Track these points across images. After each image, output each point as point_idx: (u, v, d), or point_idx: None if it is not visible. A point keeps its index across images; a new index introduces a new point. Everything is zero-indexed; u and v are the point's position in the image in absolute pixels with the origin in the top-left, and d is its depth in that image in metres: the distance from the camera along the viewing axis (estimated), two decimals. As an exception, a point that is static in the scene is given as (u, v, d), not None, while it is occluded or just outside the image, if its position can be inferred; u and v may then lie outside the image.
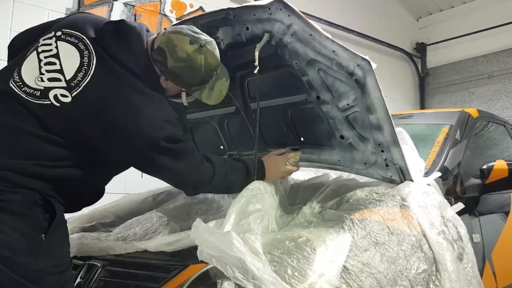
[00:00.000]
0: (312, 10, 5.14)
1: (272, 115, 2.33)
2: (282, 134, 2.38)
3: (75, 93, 1.47)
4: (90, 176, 1.59)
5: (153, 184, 2.87)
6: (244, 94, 2.34)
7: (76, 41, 1.54)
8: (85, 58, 1.51)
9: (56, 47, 1.53)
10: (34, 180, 1.42)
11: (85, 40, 1.54)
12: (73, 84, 1.48)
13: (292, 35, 1.93)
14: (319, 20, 5.33)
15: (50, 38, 1.56)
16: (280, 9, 1.90)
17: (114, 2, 3.89)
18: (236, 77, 2.29)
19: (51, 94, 1.47)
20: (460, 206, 2.11)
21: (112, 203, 2.52)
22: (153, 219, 2.10)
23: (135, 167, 1.69)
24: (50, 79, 1.49)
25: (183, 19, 2.33)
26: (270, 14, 1.93)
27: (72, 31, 1.57)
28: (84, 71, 1.49)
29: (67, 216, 2.29)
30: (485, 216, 2.39)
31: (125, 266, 1.71)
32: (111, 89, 1.50)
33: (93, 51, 1.52)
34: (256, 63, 1.96)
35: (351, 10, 6.04)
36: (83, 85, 1.48)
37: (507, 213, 2.61)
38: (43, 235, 1.42)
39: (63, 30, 1.58)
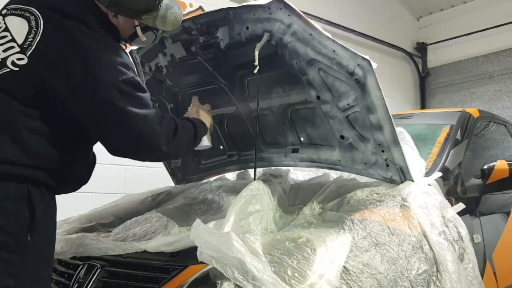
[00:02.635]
0: (312, 10, 5.14)
1: (272, 115, 2.33)
2: (282, 134, 2.38)
3: (29, 52, 1.49)
4: (68, 148, 1.57)
5: (153, 184, 2.88)
6: (244, 94, 2.34)
7: (22, 12, 1.57)
8: (32, 22, 1.53)
9: (5, 23, 1.56)
10: (16, 167, 1.42)
11: (29, 8, 1.56)
12: (26, 46, 1.50)
13: (292, 34, 1.93)
14: (319, 19, 5.32)
15: None
16: (280, 9, 1.89)
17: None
18: (236, 77, 2.28)
19: (9, 62, 1.49)
20: (460, 206, 2.11)
21: (112, 203, 2.51)
22: (152, 219, 2.09)
23: (103, 125, 1.57)
24: (4, 50, 1.51)
25: (182, 19, 2.32)
26: (270, 13, 1.92)
27: (16, 5, 1.59)
28: (34, 32, 1.51)
29: (66, 216, 2.31)
30: (486, 217, 2.39)
31: (124, 266, 1.70)
32: (61, 41, 1.50)
33: (38, 14, 1.54)
34: (256, 62, 1.96)
35: (352, 10, 6.03)
36: (35, 44, 1.50)
37: (508, 214, 2.60)
38: (28, 235, 1.42)
39: (7, 7, 1.61)
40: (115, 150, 1.63)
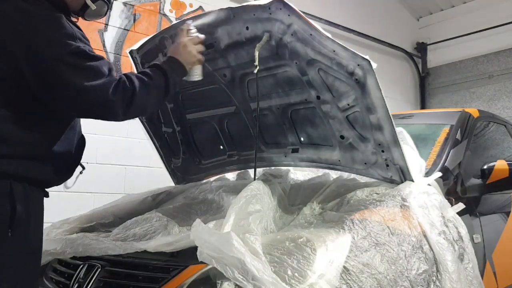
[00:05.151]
0: (312, 10, 5.13)
1: (272, 115, 2.33)
2: (282, 134, 2.38)
3: None
4: (41, 129, 1.53)
5: (153, 184, 2.88)
6: (244, 94, 2.34)
7: None
8: None
9: None
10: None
11: None
12: None
13: (292, 34, 1.92)
14: (319, 19, 5.32)
15: None
16: (280, 9, 1.89)
17: (114, 2, 3.88)
18: (236, 77, 2.28)
19: None
20: (460, 206, 2.11)
21: (112, 203, 2.51)
22: (152, 219, 2.09)
23: (59, 101, 1.53)
24: None
25: (182, 19, 2.32)
26: (270, 13, 1.92)
27: None
28: None
29: (66, 216, 2.31)
30: (486, 217, 2.39)
31: (124, 266, 1.70)
32: (4, 22, 1.45)
33: None
34: (256, 62, 1.96)
35: (351, 10, 6.03)
36: None
37: (508, 213, 2.60)
38: (9, 230, 1.40)
39: None
40: (79, 116, 1.63)
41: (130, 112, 1.59)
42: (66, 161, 1.64)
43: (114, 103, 1.51)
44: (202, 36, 1.88)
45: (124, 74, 1.58)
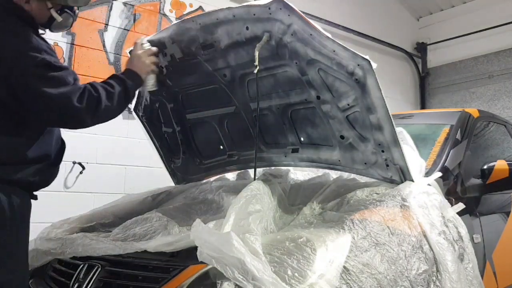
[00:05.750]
0: (312, 10, 5.13)
1: (272, 115, 2.33)
2: (282, 134, 2.38)
3: None
4: (17, 132, 1.62)
5: (153, 184, 2.88)
6: (244, 94, 2.34)
7: None
8: None
9: None
10: None
11: None
12: None
13: (292, 34, 1.92)
14: (319, 19, 5.32)
15: None
16: (280, 9, 1.89)
17: (114, 2, 3.88)
18: (236, 77, 2.28)
19: None
20: (460, 206, 2.11)
21: (112, 203, 2.51)
22: (152, 219, 2.09)
23: (31, 109, 1.63)
24: None
25: (182, 19, 2.32)
26: (270, 13, 1.92)
27: None
28: None
29: (66, 216, 2.31)
30: (486, 217, 2.39)
31: (124, 266, 1.70)
32: None
33: None
34: (256, 62, 1.96)
35: (351, 10, 6.03)
36: None
37: (508, 213, 2.60)
38: None
39: None
40: (48, 125, 1.71)
41: (97, 118, 1.70)
42: (45, 164, 1.71)
43: (80, 110, 1.62)
44: (154, 48, 2.08)
45: (89, 83, 1.70)
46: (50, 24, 1.78)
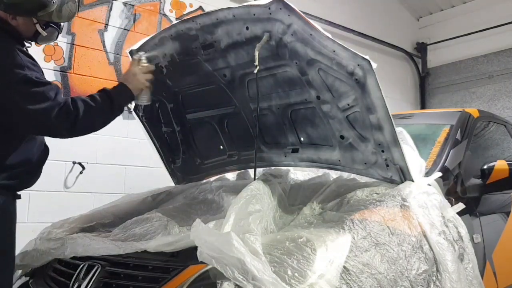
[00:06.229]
0: (312, 10, 5.13)
1: (272, 115, 2.33)
2: (282, 134, 2.38)
3: None
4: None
5: (153, 184, 2.88)
6: (244, 94, 2.34)
7: None
8: None
9: None
10: None
11: None
12: None
13: (292, 34, 1.92)
14: (319, 19, 5.31)
15: None
16: (280, 9, 1.89)
17: (114, 2, 3.88)
18: (236, 77, 2.28)
19: None
20: (460, 206, 2.11)
21: (112, 203, 2.51)
22: (152, 219, 2.09)
23: (13, 121, 1.72)
24: None
25: (182, 19, 2.32)
26: (270, 13, 1.92)
27: None
28: None
29: (66, 216, 2.31)
30: (486, 217, 2.39)
31: (124, 266, 1.70)
32: None
33: None
34: (256, 62, 1.96)
35: (352, 10, 6.03)
36: None
37: (507, 213, 2.60)
38: None
39: None
40: (29, 134, 1.80)
41: (75, 132, 1.80)
42: (25, 169, 1.81)
43: (57, 125, 1.72)
44: (151, 66, 2.10)
45: (71, 98, 1.80)
46: (36, 38, 1.86)
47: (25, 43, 1.85)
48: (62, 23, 1.91)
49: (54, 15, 1.81)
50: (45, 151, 1.91)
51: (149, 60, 2.14)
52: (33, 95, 1.67)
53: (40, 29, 1.82)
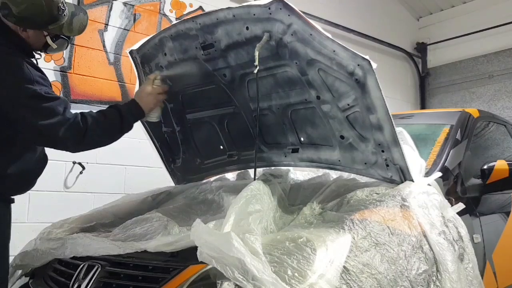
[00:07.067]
0: (312, 10, 5.13)
1: (272, 115, 2.33)
2: (282, 134, 2.38)
3: None
4: (4, 149, 1.73)
5: (153, 184, 2.88)
6: (244, 94, 2.34)
7: None
8: None
9: None
10: None
11: None
12: None
13: (292, 34, 1.92)
14: (319, 19, 5.31)
15: None
16: (280, 9, 1.89)
17: (114, 2, 3.88)
18: (236, 77, 2.28)
19: None
20: (460, 206, 2.11)
21: (112, 203, 2.51)
22: (152, 219, 2.09)
23: (22, 135, 1.75)
24: None
25: (182, 19, 2.32)
26: (270, 13, 1.92)
27: None
28: None
29: (66, 216, 2.31)
30: (486, 216, 2.39)
31: (124, 266, 1.70)
32: None
33: None
34: (256, 62, 1.96)
35: (351, 10, 6.03)
36: None
37: (507, 213, 2.60)
38: None
39: None
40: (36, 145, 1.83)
41: (82, 147, 1.83)
42: (24, 178, 1.83)
43: (65, 140, 1.74)
44: (165, 87, 2.15)
45: (81, 113, 1.80)
46: (46, 49, 1.87)
47: (35, 53, 1.85)
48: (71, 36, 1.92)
49: (64, 28, 1.82)
50: (44, 160, 1.92)
51: (164, 81, 2.18)
52: (42, 111, 1.68)
53: (50, 42, 1.83)
